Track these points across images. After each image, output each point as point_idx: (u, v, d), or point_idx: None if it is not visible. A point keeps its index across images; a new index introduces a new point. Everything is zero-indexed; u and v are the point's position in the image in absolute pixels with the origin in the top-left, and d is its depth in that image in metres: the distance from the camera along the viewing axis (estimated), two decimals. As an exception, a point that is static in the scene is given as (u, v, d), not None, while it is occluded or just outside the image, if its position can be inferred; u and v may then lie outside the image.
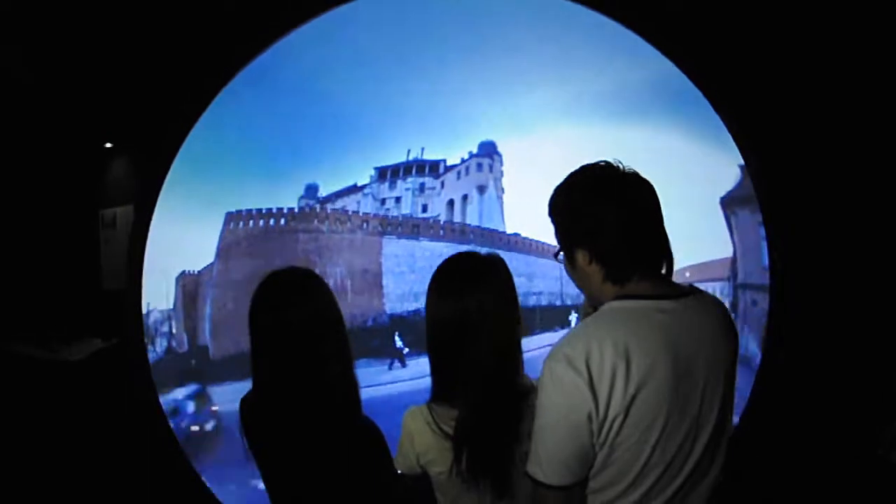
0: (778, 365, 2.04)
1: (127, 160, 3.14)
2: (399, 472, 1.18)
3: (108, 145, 3.22)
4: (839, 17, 1.87)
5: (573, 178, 1.01)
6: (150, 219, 2.44)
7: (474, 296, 1.05)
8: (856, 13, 1.83)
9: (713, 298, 1.02)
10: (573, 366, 0.87)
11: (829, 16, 1.88)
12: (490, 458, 1.01)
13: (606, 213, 0.93)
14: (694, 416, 0.91)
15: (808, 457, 1.95)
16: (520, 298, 1.15)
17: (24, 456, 2.58)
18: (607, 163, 0.98)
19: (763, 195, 2.05)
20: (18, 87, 2.98)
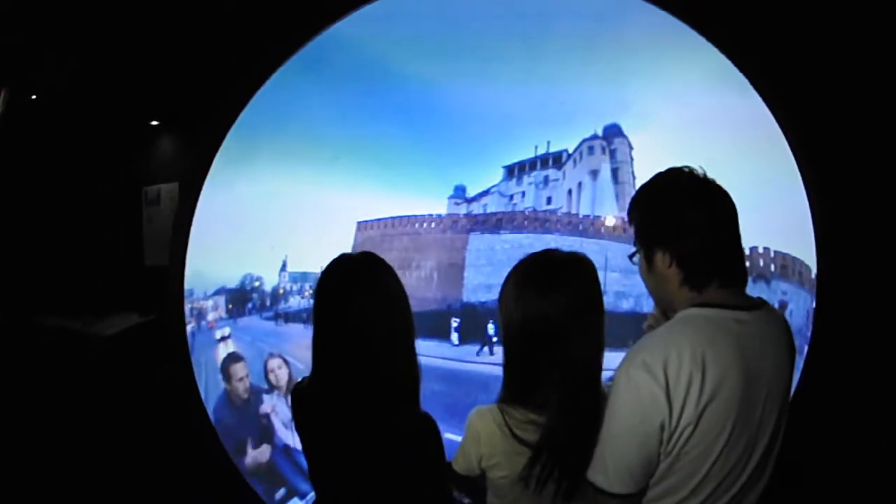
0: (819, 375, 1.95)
1: (172, 138, 3.17)
2: (453, 470, 1.14)
3: (154, 123, 3.25)
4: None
5: (660, 179, 1.03)
6: (197, 197, 2.42)
7: (563, 295, 1.01)
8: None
9: (779, 313, 1.03)
10: (651, 372, 0.86)
11: None
12: (572, 463, 0.97)
13: (693, 217, 0.94)
14: (754, 429, 0.91)
15: (848, 459, 1.85)
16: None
17: (55, 430, 2.61)
18: (692, 169, 0.99)
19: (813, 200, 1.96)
20: (66, 66, 3.02)
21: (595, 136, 3.01)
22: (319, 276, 1.16)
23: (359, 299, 1.10)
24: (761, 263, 2.50)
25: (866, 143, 1.91)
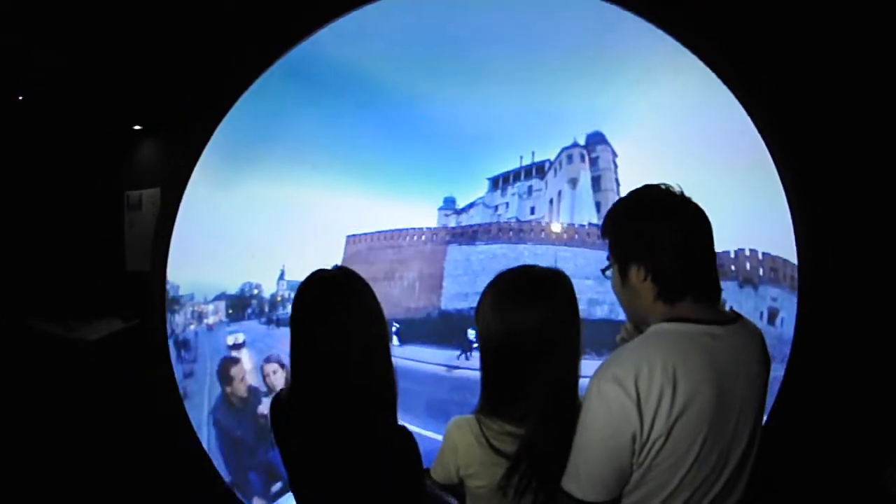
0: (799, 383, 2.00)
1: (154, 143, 3.16)
2: (432, 480, 1.16)
3: (137, 128, 3.24)
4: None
5: (636, 195, 1.04)
6: (178, 202, 2.42)
7: (540, 310, 1.02)
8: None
9: (754, 326, 1.04)
10: (622, 386, 0.87)
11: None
12: (550, 473, 0.99)
13: (668, 233, 0.95)
14: (727, 441, 0.92)
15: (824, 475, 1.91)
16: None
17: (39, 435, 2.59)
18: (668, 186, 1.01)
19: (793, 204, 2.02)
20: (49, 70, 3.00)
21: (575, 145, 3.07)
22: (296, 291, 1.18)
23: (335, 314, 1.12)
24: (748, 267, 2.44)
25: (846, 148, 1.96)
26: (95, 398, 2.71)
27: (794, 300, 2.09)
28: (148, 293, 2.46)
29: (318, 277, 1.18)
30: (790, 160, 2.02)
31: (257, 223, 2.76)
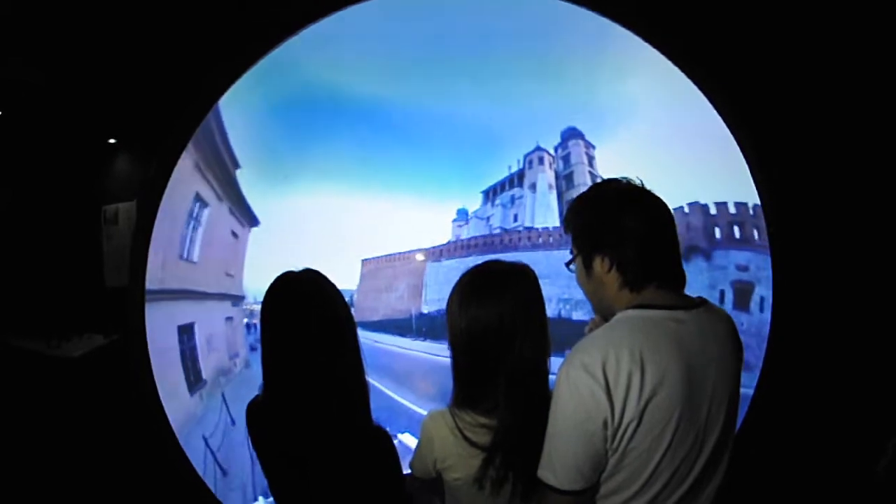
0: (777, 376, 2.05)
1: (130, 157, 3.13)
2: (411, 475, 1.17)
3: (112, 141, 3.21)
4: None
5: (599, 188, 1.07)
6: (154, 215, 2.41)
7: (503, 302, 1.04)
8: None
9: (722, 311, 1.04)
10: (590, 372, 0.88)
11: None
12: (523, 463, 1.00)
13: (631, 222, 0.97)
14: (701, 424, 0.93)
15: (805, 467, 1.96)
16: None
17: (22, 452, 2.56)
18: (629, 179, 1.03)
19: (766, 203, 2.07)
20: (24, 83, 2.97)
21: (537, 149, 3.14)
22: (265, 294, 1.16)
23: (304, 316, 1.11)
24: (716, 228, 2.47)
25: (815, 143, 2.02)
26: (79, 415, 2.68)
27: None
28: (126, 307, 2.45)
29: (286, 280, 1.16)
30: (760, 155, 2.07)
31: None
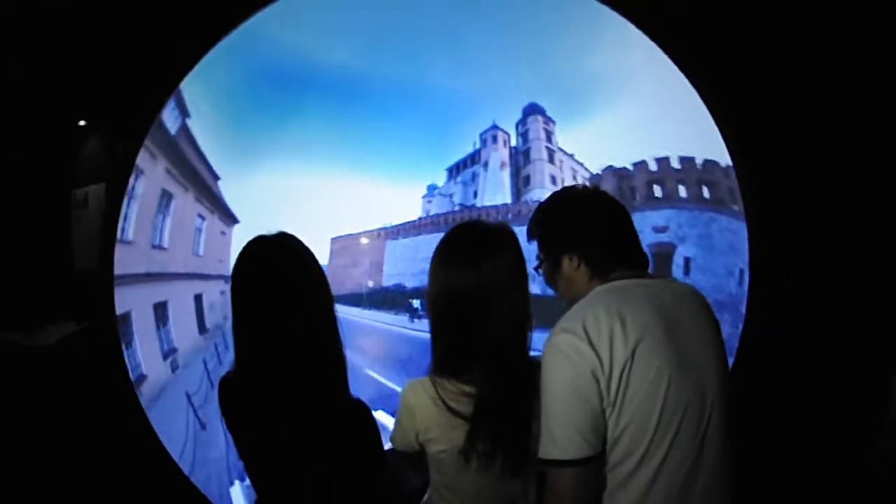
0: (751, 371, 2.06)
1: (99, 139, 3.04)
2: (392, 449, 1.13)
3: (82, 123, 3.11)
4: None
5: (557, 196, 1.16)
6: (122, 197, 2.35)
7: (491, 264, 1.01)
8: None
9: (689, 285, 1.11)
10: (570, 331, 0.92)
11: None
12: (510, 434, 0.98)
13: (594, 219, 1.07)
14: (692, 387, 0.93)
15: (786, 442, 1.98)
16: None
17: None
18: (584, 185, 1.18)
19: (747, 197, 2.07)
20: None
21: (493, 127, 3.15)
22: (236, 260, 1.09)
23: (277, 282, 1.05)
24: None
25: (791, 126, 2.03)
26: (52, 404, 2.64)
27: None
28: (95, 291, 2.40)
29: (259, 244, 1.10)
30: (739, 140, 2.06)
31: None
